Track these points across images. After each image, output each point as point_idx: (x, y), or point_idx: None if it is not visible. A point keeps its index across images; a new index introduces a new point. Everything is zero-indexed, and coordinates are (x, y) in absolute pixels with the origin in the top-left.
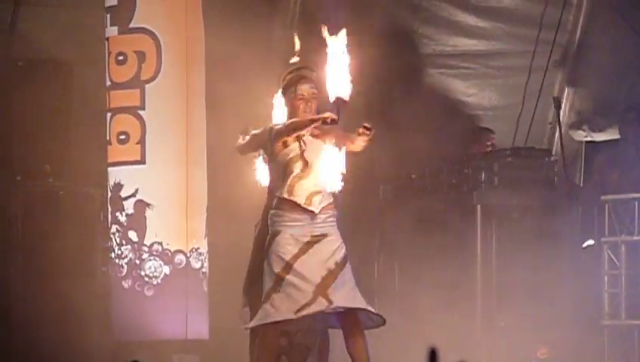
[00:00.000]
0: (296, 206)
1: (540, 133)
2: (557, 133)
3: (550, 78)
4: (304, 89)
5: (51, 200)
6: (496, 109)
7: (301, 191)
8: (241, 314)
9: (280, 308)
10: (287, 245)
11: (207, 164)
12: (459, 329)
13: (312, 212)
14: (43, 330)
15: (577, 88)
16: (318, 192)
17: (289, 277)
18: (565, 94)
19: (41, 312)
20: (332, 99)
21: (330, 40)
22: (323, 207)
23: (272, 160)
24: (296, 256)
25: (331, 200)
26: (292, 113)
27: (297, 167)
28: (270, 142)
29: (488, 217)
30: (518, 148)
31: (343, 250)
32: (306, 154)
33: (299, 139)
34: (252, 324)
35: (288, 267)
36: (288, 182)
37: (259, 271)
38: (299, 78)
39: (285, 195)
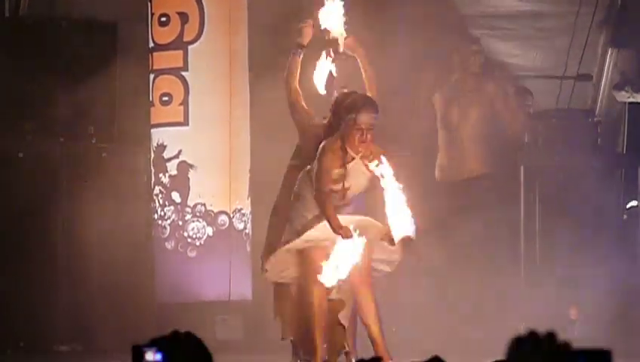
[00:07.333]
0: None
1: (583, 94)
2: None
3: (594, 39)
4: (364, 120)
5: (95, 162)
6: (540, 70)
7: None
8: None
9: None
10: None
11: (250, 124)
12: (500, 288)
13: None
14: (88, 292)
15: (621, 48)
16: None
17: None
18: (609, 54)
19: (86, 273)
20: (397, 239)
21: (382, 168)
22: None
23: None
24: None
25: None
26: (345, 137)
27: (335, 198)
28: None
29: (532, 178)
30: (560, 109)
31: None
32: (349, 192)
33: (344, 166)
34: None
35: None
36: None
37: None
38: (361, 106)
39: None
